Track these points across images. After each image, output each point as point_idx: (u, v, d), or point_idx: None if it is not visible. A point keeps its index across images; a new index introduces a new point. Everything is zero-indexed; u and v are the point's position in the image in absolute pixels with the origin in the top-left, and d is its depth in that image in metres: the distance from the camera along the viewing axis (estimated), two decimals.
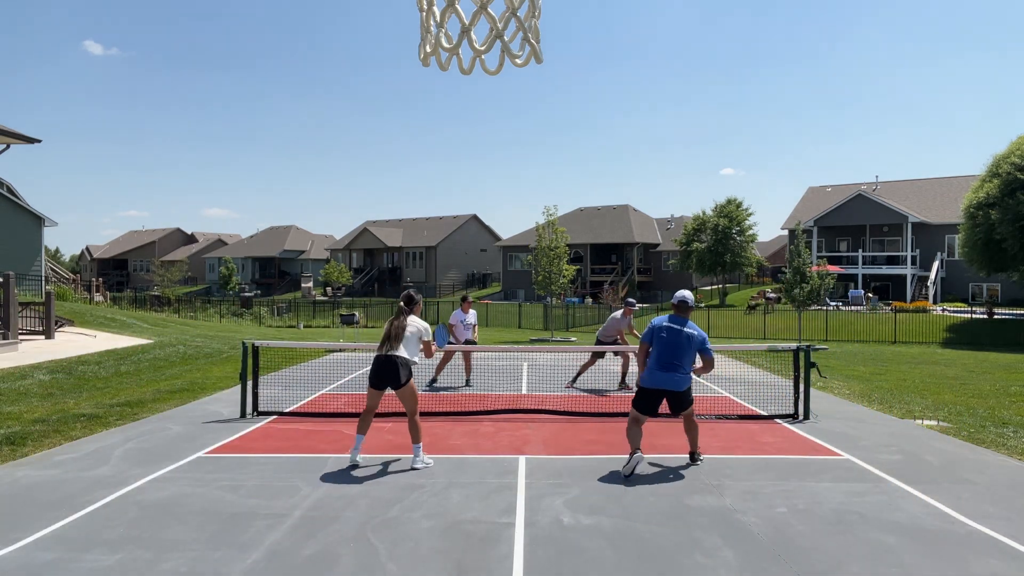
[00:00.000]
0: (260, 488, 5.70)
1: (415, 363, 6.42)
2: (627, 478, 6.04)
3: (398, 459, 6.64)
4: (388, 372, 6.27)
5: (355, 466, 6.35)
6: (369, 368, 6.54)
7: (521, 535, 4.69)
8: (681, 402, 6.46)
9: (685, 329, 6.42)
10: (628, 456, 6.20)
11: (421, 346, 6.53)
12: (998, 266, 28.64)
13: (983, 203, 27.92)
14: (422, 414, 8.84)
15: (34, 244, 24.69)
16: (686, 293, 6.70)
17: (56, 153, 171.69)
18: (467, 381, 11.42)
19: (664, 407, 6.54)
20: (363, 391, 10.25)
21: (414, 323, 6.51)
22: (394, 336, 6.36)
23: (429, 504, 5.33)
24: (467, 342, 11.35)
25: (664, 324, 6.50)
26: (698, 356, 6.52)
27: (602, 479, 6.04)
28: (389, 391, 6.41)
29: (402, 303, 6.62)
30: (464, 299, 11.74)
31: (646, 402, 6.44)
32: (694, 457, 6.64)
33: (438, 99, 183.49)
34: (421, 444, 6.45)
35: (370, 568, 4.16)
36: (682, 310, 6.55)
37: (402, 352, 6.33)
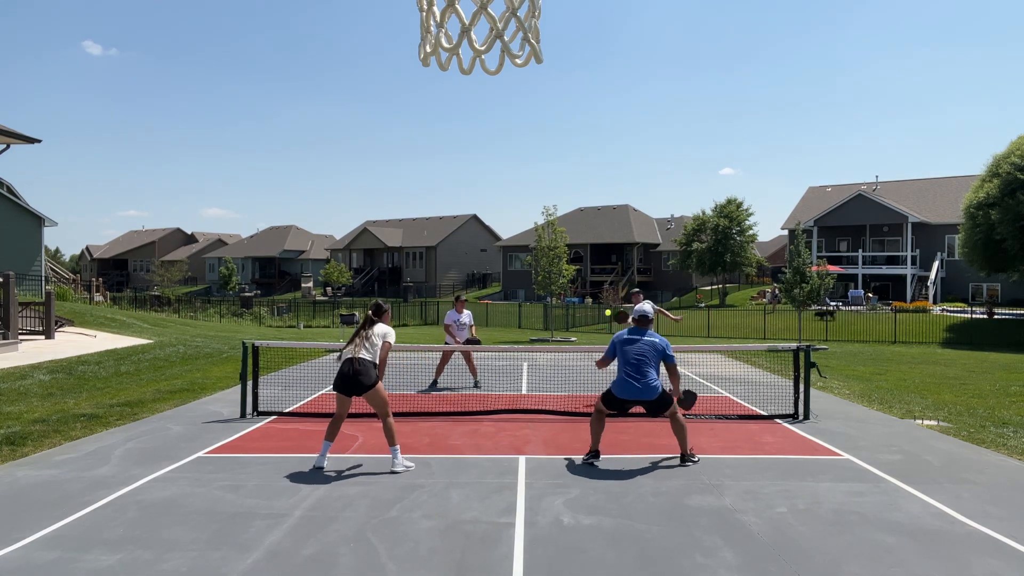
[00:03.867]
0: (260, 488, 5.70)
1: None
2: (588, 465, 6.50)
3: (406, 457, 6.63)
4: (352, 375, 6.25)
5: (320, 469, 6.31)
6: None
7: (521, 535, 4.69)
8: (657, 407, 6.54)
9: (645, 337, 6.64)
10: (588, 452, 6.65)
11: (379, 344, 6.45)
12: (998, 266, 28.63)
13: (983, 203, 27.90)
14: (424, 414, 8.88)
15: (34, 244, 24.68)
16: (645, 307, 7.04)
17: (56, 153, 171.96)
18: (475, 383, 11.27)
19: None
20: None
21: (379, 328, 6.54)
22: (359, 340, 6.41)
23: (429, 504, 5.33)
24: (468, 341, 11.29)
25: (624, 336, 6.73)
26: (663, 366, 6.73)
27: (602, 479, 6.04)
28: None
29: (370, 312, 6.67)
30: (457, 298, 11.60)
31: (613, 404, 6.65)
32: (685, 459, 6.60)
33: (438, 99, 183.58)
34: (398, 447, 6.40)
35: (370, 568, 4.15)
36: (642, 323, 6.79)
37: (365, 355, 6.33)
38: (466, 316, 11.38)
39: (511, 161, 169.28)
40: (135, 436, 7.62)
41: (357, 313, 27.05)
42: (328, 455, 6.76)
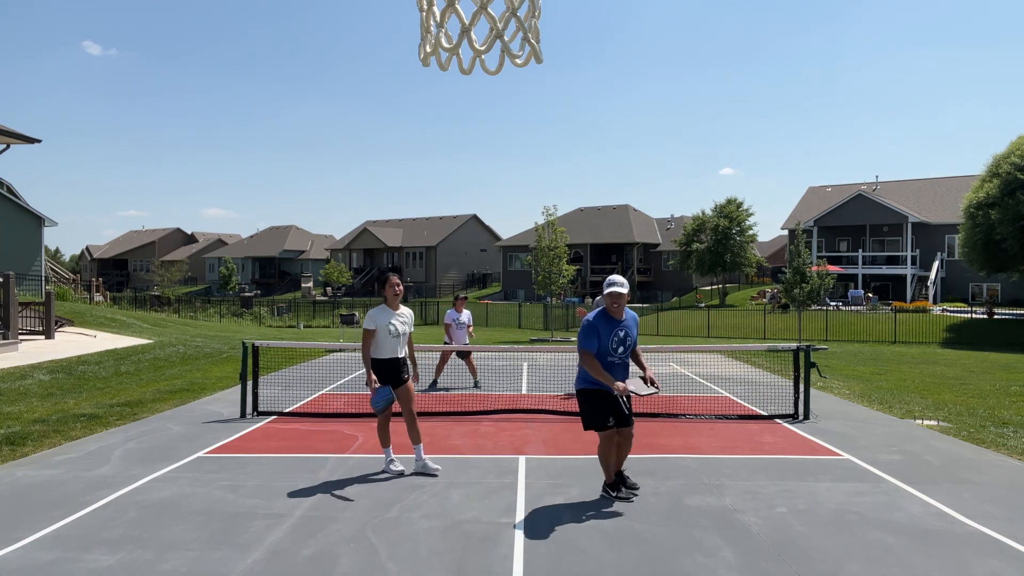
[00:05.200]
0: (260, 488, 5.70)
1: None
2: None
3: (399, 459, 6.63)
4: None
5: (401, 473, 6.12)
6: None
7: (521, 535, 4.69)
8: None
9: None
10: (610, 483, 5.55)
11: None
12: (998, 266, 28.65)
13: (983, 203, 27.92)
14: (423, 414, 8.87)
15: (34, 244, 24.68)
16: (612, 279, 5.37)
17: (56, 153, 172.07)
18: (475, 383, 11.30)
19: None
20: (362, 392, 10.26)
21: None
22: None
23: (429, 504, 5.33)
24: (461, 352, 11.34)
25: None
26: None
27: (602, 479, 6.02)
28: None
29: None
30: (457, 298, 11.68)
31: (613, 409, 5.41)
32: (621, 482, 5.53)
33: (438, 99, 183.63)
34: (390, 448, 6.29)
35: (370, 568, 4.15)
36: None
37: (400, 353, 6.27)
38: (465, 315, 11.42)
39: (511, 161, 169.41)
40: (135, 436, 7.62)
41: (357, 313, 27.04)
42: (329, 455, 6.76)
